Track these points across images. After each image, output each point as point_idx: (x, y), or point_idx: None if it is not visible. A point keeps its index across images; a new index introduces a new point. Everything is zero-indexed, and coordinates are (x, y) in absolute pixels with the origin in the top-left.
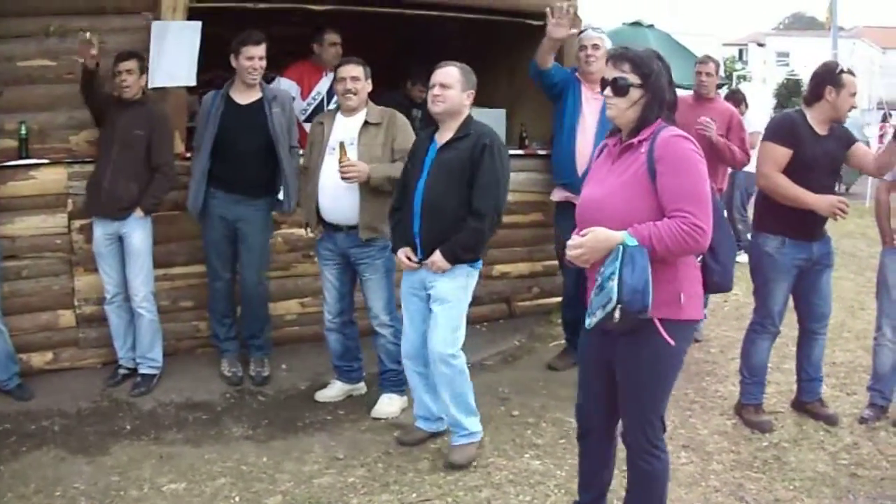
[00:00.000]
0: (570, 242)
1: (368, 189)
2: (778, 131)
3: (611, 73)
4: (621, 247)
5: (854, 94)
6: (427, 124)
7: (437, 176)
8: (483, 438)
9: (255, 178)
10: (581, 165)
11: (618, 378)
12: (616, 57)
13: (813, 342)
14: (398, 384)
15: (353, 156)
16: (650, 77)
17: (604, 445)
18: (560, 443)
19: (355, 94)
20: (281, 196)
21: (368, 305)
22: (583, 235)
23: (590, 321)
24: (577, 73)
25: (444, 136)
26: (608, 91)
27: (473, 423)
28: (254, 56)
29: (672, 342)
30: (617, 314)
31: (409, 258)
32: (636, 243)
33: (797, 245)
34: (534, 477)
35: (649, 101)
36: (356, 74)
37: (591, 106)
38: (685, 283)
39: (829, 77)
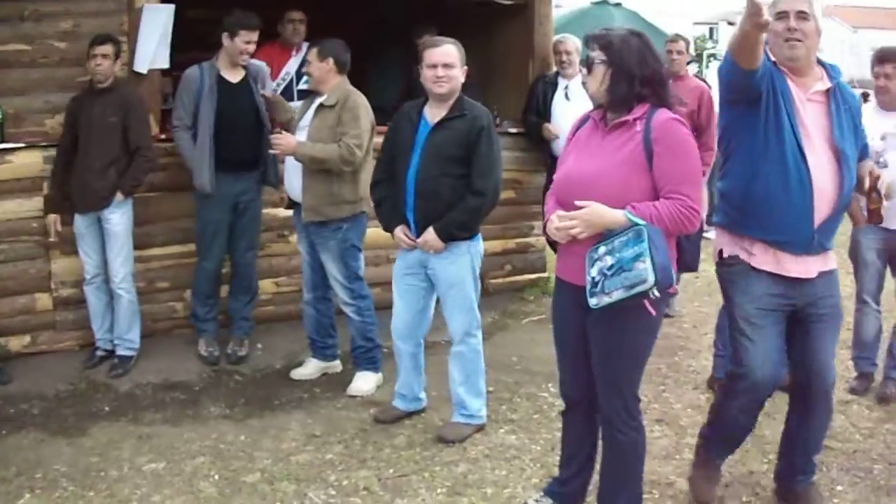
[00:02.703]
0: (560, 213)
1: (308, 171)
2: None
3: (591, 53)
4: (643, 229)
5: None
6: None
7: (432, 156)
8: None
9: (251, 153)
10: (821, 212)
11: (594, 350)
12: (589, 38)
13: None
14: (371, 361)
15: (302, 138)
16: (611, 52)
17: (588, 419)
18: (534, 417)
19: (309, 75)
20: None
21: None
22: (572, 215)
23: (597, 301)
24: (774, 62)
25: (435, 113)
26: (584, 69)
27: (478, 406)
28: (251, 41)
29: (654, 312)
30: (655, 293)
31: (407, 236)
32: (644, 222)
33: None
34: (509, 451)
35: (614, 75)
36: (308, 58)
37: (810, 113)
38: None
39: None
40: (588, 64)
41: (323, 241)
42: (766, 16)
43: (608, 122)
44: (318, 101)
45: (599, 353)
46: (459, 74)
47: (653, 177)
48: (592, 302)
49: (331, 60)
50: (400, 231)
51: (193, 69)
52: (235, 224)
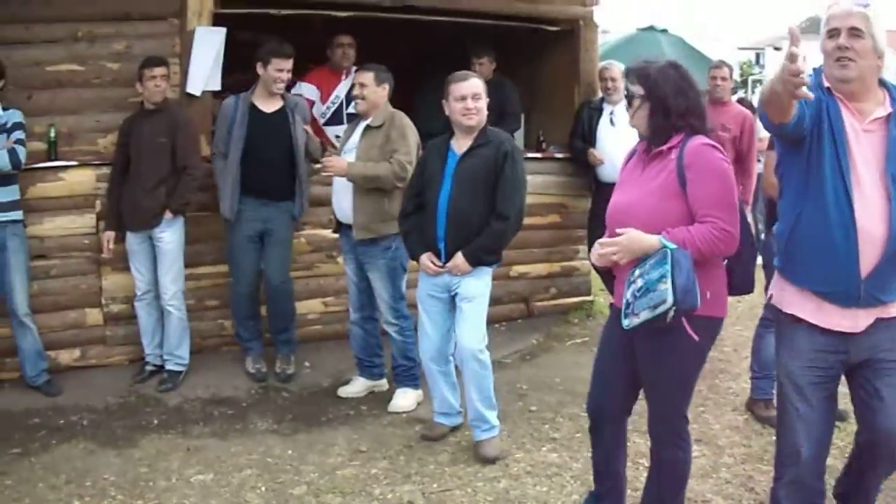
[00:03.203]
0: (601, 241)
1: (359, 190)
2: None
3: (629, 85)
4: (668, 251)
5: None
6: None
7: (462, 184)
8: (502, 432)
9: (280, 183)
10: (869, 259)
11: (642, 372)
12: (629, 71)
13: None
14: (411, 378)
15: (351, 159)
16: (649, 85)
17: (616, 435)
18: (576, 437)
19: (363, 98)
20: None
21: (377, 304)
22: (613, 239)
23: (629, 322)
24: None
25: (462, 144)
26: (627, 104)
27: (494, 416)
28: (283, 69)
29: (696, 337)
30: (671, 314)
31: (433, 262)
32: (676, 246)
33: None
34: (550, 469)
35: (653, 108)
36: (363, 81)
37: (865, 145)
38: (711, 282)
39: None
40: (628, 98)
41: (372, 261)
42: (804, 89)
43: (649, 153)
44: (364, 123)
45: (648, 374)
46: (485, 106)
47: (687, 202)
48: (625, 323)
49: (386, 86)
50: (426, 258)
51: (230, 99)
52: (264, 251)
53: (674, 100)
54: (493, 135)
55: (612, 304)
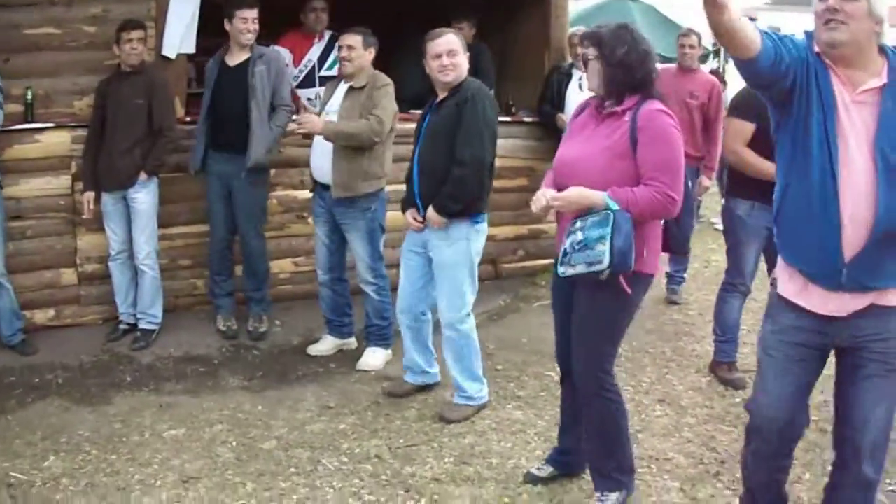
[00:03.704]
0: (549, 194)
1: (339, 149)
2: (741, 107)
3: (583, 51)
4: (611, 213)
5: None
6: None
7: (430, 137)
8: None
9: (241, 136)
10: (854, 241)
11: (573, 320)
12: (582, 37)
13: None
14: (383, 338)
15: (334, 119)
16: (602, 47)
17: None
18: (541, 395)
19: (349, 61)
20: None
21: (355, 263)
22: (565, 193)
23: (563, 270)
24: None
25: (439, 99)
26: (583, 66)
27: (475, 389)
28: (247, 18)
29: (629, 291)
30: (605, 275)
31: (415, 218)
32: (617, 206)
33: (766, 209)
34: (515, 425)
35: (606, 65)
36: (351, 43)
37: (855, 116)
38: (649, 240)
39: None
40: (584, 61)
41: (352, 221)
42: None
43: (603, 111)
44: (346, 84)
45: (577, 324)
46: (464, 61)
47: (636, 164)
48: (560, 270)
49: (372, 50)
50: (409, 214)
51: (211, 59)
52: (234, 206)
53: (625, 56)
54: (465, 85)
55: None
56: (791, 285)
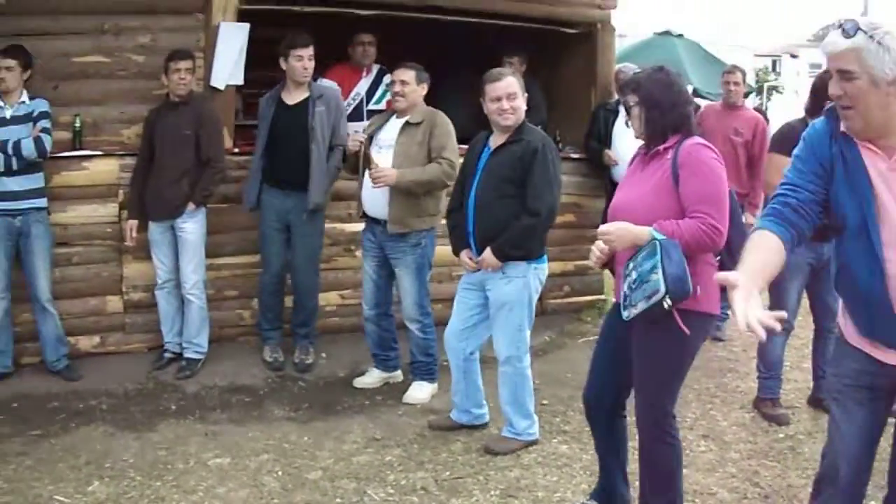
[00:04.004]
0: (601, 228)
1: (403, 189)
2: (782, 142)
3: (625, 98)
4: (657, 242)
5: None
6: None
7: (489, 179)
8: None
9: (300, 174)
10: None
11: (633, 364)
12: (622, 86)
13: (828, 340)
14: (429, 373)
15: (389, 155)
16: (641, 92)
17: (611, 427)
18: (586, 430)
19: (402, 96)
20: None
21: (400, 299)
22: (607, 227)
23: (627, 313)
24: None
25: (497, 139)
26: (627, 114)
27: (525, 425)
28: (303, 56)
29: (687, 331)
30: (668, 302)
31: (470, 258)
32: (664, 237)
33: (807, 245)
34: (560, 460)
35: (647, 114)
36: (405, 78)
37: (892, 185)
38: (702, 278)
39: (825, 90)
40: (627, 109)
41: (402, 256)
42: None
43: (648, 154)
44: (403, 119)
45: (637, 366)
46: (523, 104)
47: (679, 200)
48: (624, 315)
49: (425, 85)
50: (464, 255)
51: (264, 97)
52: (290, 241)
53: (662, 96)
54: (527, 132)
55: (616, 301)
56: (856, 336)
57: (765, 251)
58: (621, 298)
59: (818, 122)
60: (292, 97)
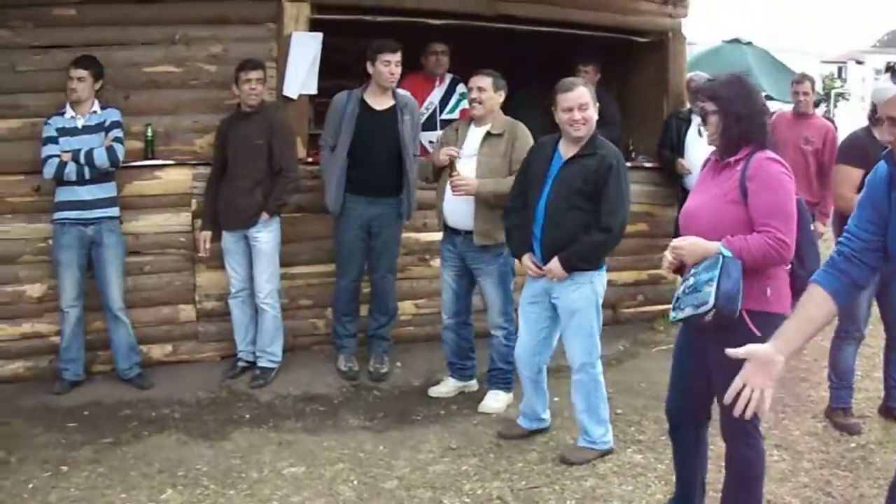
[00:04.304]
0: (673, 242)
1: (480, 198)
2: (848, 152)
3: (700, 105)
4: (721, 257)
5: None
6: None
7: (562, 189)
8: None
9: (387, 181)
10: None
11: (712, 371)
12: (698, 92)
13: None
14: (506, 382)
15: (472, 165)
16: (719, 100)
17: (694, 438)
18: (661, 439)
19: (480, 103)
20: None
21: (485, 307)
22: (680, 241)
23: (674, 315)
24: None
25: (569, 150)
26: (702, 121)
27: (600, 433)
28: (390, 61)
29: (758, 333)
30: (710, 316)
31: (534, 263)
32: (730, 254)
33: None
34: (636, 469)
35: (726, 123)
36: (482, 85)
37: None
38: (772, 280)
39: None
40: (703, 116)
41: (485, 266)
42: None
43: (720, 164)
44: (482, 128)
45: (715, 372)
46: (594, 114)
47: (747, 211)
48: (671, 315)
49: (502, 93)
50: (528, 259)
51: (342, 94)
52: (371, 247)
53: (742, 106)
54: (601, 146)
55: None
56: None
57: (810, 308)
58: (673, 300)
59: (879, 166)
60: (378, 102)
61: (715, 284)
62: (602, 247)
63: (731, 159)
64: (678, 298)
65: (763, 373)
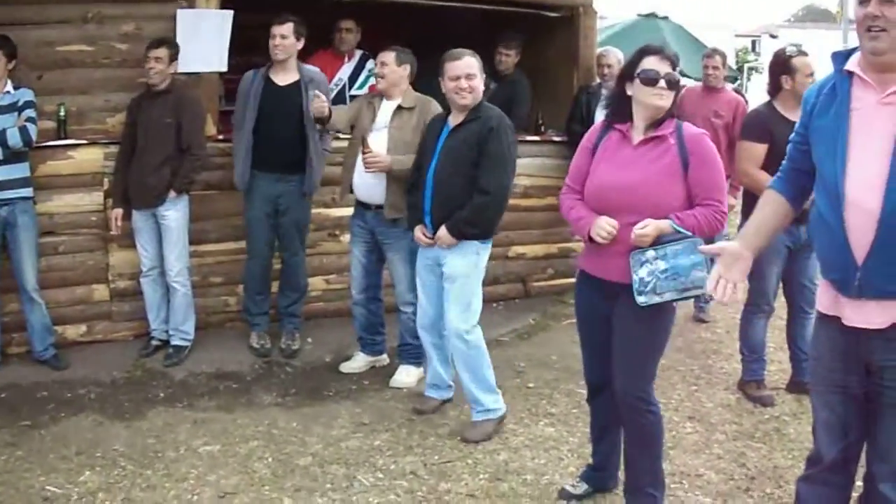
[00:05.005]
0: (638, 229)
1: (394, 175)
2: (751, 128)
3: (663, 68)
4: (696, 241)
5: (811, 74)
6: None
7: (447, 158)
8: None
9: (292, 157)
10: (862, 242)
11: (617, 336)
12: (664, 53)
13: (805, 322)
14: (416, 357)
15: (383, 139)
16: (677, 69)
17: (612, 403)
18: (573, 412)
19: (382, 77)
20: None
21: (393, 283)
22: (643, 226)
23: (647, 299)
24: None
25: (456, 119)
26: (663, 84)
27: (492, 400)
28: (275, 34)
29: (674, 304)
30: (706, 297)
31: (424, 234)
32: (690, 233)
33: (785, 228)
34: (548, 442)
35: (676, 95)
36: (385, 60)
37: (879, 118)
38: None
39: (780, 67)
40: (674, 83)
41: (394, 241)
42: None
43: (644, 136)
44: (395, 103)
45: (623, 343)
46: (480, 84)
47: (687, 185)
48: (641, 300)
49: (407, 67)
50: (418, 230)
51: (249, 72)
52: (279, 225)
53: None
54: (484, 110)
55: (581, 271)
56: (825, 297)
57: (766, 210)
58: (636, 283)
59: (826, 78)
60: (282, 78)
61: (704, 269)
62: (483, 209)
63: (664, 132)
64: (646, 283)
65: (735, 268)
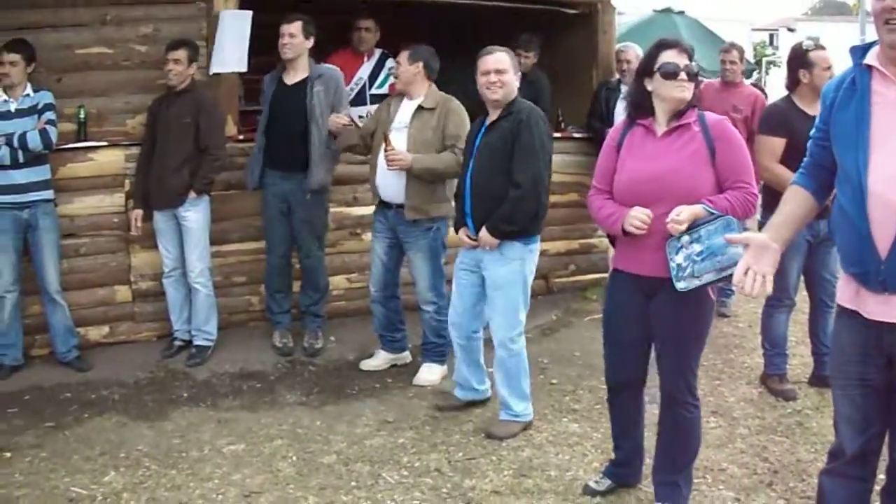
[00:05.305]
0: (672, 217)
1: (416, 174)
2: (769, 122)
3: (682, 60)
4: (731, 219)
5: (829, 68)
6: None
7: (483, 156)
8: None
9: (297, 155)
10: (886, 236)
11: (658, 333)
12: (680, 46)
13: (827, 315)
14: (439, 355)
15: (403, 139)
16: (692, 65)
17: (635, 402)
18: (596, 408)
19: (396, 77)
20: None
21: (414, 282)
22: (677, 213)
23: (686, 284)
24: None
25: (491, 117)
26: (683, 76)
27: (522, 407)
28: (284, 33)
29: (713, 296)
30: None
31: (468, 236)
32: (723, 213)
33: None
34: (572, 438)
35: (696, 86)
36: (399, 59)
37: (894, 114)
38: None
39: (798, 62)
40: (693, 74)
41: (415, 240)
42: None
43: (667, 127)
44: (416, 103)
45: (667, 336)
46: (513, 80)
47: (716, 171)
48: (681, 286)
49: (420, 64)
50: (462, 232)
51: (269, 74)
52: (292, 223)
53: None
54: (517, 106)
55: (615, 271)
56: (847, 291)
57: (792, 204)
58: (674, 271)
59: (846, 71)
60: (291, 77)
61: (740, 245)
62: (518, 204)
63: (688, 121)
64: (683, 268)
65: (763, 259)
